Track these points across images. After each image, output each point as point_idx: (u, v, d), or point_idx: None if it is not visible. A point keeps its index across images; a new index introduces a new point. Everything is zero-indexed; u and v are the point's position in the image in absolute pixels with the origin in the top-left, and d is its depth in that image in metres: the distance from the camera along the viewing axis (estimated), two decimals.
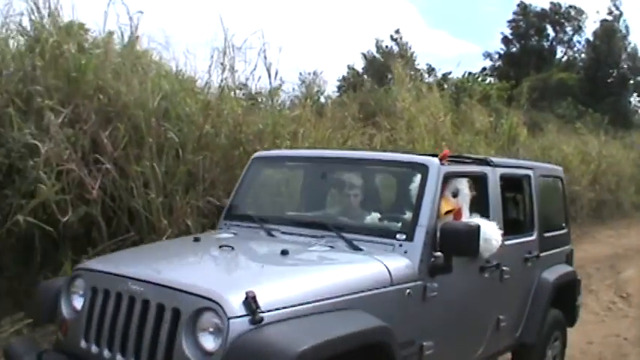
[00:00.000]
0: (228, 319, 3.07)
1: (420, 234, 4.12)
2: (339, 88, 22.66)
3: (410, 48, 33.82)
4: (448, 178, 4.43)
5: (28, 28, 6.96)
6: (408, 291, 3.93)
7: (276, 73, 8.66)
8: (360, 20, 51.28)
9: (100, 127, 6.52)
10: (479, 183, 4.81)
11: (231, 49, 7.99)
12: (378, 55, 34.98)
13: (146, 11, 7.44)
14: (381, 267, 3.88)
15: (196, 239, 4.53)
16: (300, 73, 13.29)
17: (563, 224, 6.27)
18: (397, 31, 35.25)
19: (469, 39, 68.76)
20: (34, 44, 6.67)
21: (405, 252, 4.06)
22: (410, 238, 4.12)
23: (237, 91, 8.61)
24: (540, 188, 5.70)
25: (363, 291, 3.67)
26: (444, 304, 4.23)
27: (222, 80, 8.08)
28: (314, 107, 10.16)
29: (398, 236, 4.15)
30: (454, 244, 4.04)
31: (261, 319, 3.09)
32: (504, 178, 5.12)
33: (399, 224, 4.33)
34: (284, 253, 3.91)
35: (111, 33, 7.30)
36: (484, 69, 38.50)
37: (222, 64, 8.03)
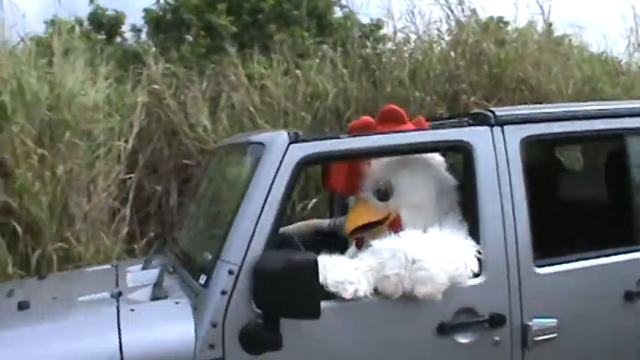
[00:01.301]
0: None
1: (220, 276, 2.39)
2: None
3: None
4: (335, 162, 2.71)
5: (447, 32, 7.33)
6: None
7: None
8: None
9: None
10: (459, 162, 2.85)
11: None
12: None
13: None
14: (105, 344, 2.25)
15: (40, 277, 3.43)
16: None
17: None
18: None
19: None
20: (455, 45, 7.02)
21: (195, 308, 2.40)
22: (207, 282, 2.43)
23: None
24: None
25: None
26: None
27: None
28: None
29: (200, 278, 2.49)
30: (268, 295, 2.29)
31: None
32: (535, 145, 3.17)
33: (208, 257, 2.62)
34: (21, 307, 2.58)
35: (530, 22, 7.37)
36: None
37: (633, 43, 7.65)
